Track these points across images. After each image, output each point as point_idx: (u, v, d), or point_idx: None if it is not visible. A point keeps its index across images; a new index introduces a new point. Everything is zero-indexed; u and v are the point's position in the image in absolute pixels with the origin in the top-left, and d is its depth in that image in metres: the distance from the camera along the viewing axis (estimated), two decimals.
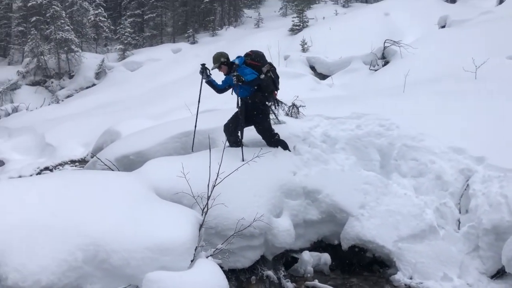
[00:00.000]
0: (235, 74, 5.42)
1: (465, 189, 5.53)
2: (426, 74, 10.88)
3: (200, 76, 5.95)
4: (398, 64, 13.45)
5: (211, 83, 5.96)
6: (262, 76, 5.70)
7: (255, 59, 5.88)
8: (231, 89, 5.93)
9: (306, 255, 5.24)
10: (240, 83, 5.42)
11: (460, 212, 5.46)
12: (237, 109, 5.79)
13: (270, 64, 5.90)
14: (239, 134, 5.83)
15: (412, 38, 16.53)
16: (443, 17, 17.36)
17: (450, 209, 5.38)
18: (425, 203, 5.47)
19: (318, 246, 5.57)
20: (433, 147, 5.99)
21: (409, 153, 6.03)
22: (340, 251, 5.44)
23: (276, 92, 6.00)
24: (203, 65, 5.90)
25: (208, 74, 5.88)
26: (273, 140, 5.89)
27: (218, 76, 5.90)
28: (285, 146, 5.94)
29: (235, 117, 5.88)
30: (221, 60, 5.77)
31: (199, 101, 6.38)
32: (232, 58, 5.92)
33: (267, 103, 5.92)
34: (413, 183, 5.81)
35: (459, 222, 5.37)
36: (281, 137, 5.99)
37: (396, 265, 5.08)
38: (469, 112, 6.78)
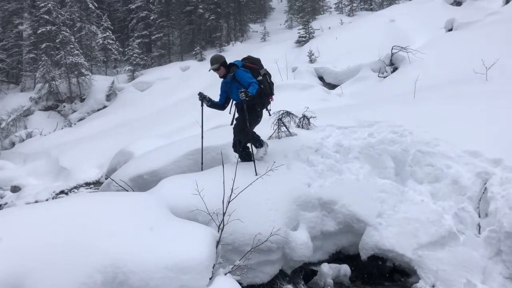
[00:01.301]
0: (242, 90, 5.39)
1: (483, 193, 5.43)
2: (436, 78, 10.82)
3: (200, 102, 6.02)
4: (407, 70, 13.40)
5: (212, 104, 6.02)
6: (260, 78, 5.77)
7: (253, 63, 5.96)
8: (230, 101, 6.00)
9: (325, 267, 5.17)
10: (248, 98, 5.40)
11: (479, 216, 5.35)
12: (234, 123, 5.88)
13: (265, 70, 5.98)
14: (249, 146, 5.82)
15: (419, 43, 16.49)
16: (449, 20, 17.30)
17: (469, 214, 5.28)
18: (443, 208, 5.37)
19: (336, 257, 5.50)
20: (448, 152, 5.91)
21: (424, 158, 5.96)
22: (359, 262, 5.36)
23: (272, 97, 6.02)
24: (200, 93, 5.97)
25: (208, 99, 5.97)
26: (249, 134, 5.77)
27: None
28: (257, 140, 5.88)
29: (238, 131, 5.85)
30: (221, 61, 5.78)
31: (202, 127, 6.32)
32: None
33: (261, 108, 5.95)
34: (429, 189, 5.72)
35: (479, 227, 5.25)
36: (293, 149, 5.97)
37: (417, 274, 4.98)
38: (482, 114, 6.69)
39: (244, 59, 6.00)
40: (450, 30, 16.95)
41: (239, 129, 5.82)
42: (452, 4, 21.79)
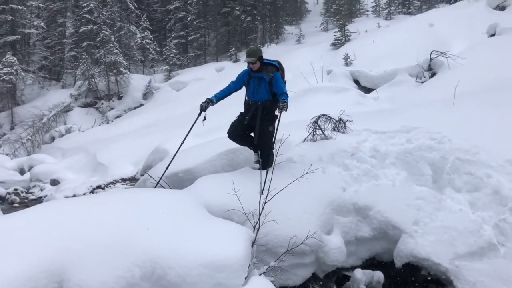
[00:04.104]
0: (285, 101, 5.29)
1: None
2: (476, 85, 10.52)
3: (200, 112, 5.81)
4: (446, 75, 13.10)
5: (220, 99, 5.82)
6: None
7: (283, 71, 5.91)
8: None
9: (359, 273, 5.12)
10: (286, 110, 5.29)
11: None
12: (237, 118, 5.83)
13: None
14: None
15: (459, 48, 16.08)
16: (492, 25, 16.78)
17: (511, 226, 5.12)
18: (482, 219, 5.22)
19: (370, 263, 5.43)
20: (489, 160, 5.74)
21: (463, 167, 5.82)
22: (393, 269, 5.28)
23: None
24: (203, 106, 5.75)
25: (212, 103, 5.79)
26: (271, 149, 5.66)
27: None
28: (271, 162, 5.60)
29: (264, 140, 5.66)
30: (259, 55, 5.59)
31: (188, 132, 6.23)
32: None
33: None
34: (468, 198, 5.57)
35: None
36: (328, 152, 5.93)
37: (453, 284, 4.85)
38: None
39: (273, 60, 5.86)
40: (493, 35, 16.45)
41: (267, 138, 5.67)
42: (495, 8, 21.13)
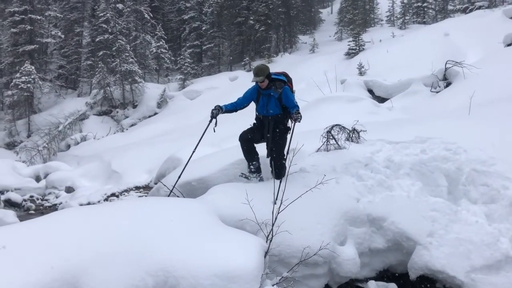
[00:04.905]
0: (299, 112, 5.33)
1: None
2: (492, 95, 10.42)
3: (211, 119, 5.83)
4: (461, 85, 13.00)
5: (227, 111, 5.81)
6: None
7: (291, 82, 5.91)
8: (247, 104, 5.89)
9: (372, 285, 5.07)
10: (299, 122, 5.34)
11: None
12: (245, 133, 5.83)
13: None
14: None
15: (475, 58, 15.97)
16: (509, 35, 16.66)
17: None
18: (499, 231, 5.14)
19: (384, 275, 5.36)
20: (506, 172, 5.66)
21: (479, 178, 5.74)
22: (407, 281, 5.20)
23: None
24: (213, 112, 5.77)
25: (222, 112, 5.78)
26: (284, 160, 5.65)
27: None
28: (284, 172, 5.59)
29: (277, 150, 5.71)
30: (266, 73, 5.58)
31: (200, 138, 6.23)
32: None
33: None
34: (484, 210, 5.49)
35: None
36: (342, 162, 5.91)
37: None
38: None
39: (279, 74, 5.85)
40: (509, 45, 16.30)
41: (280, 149, 5.70)
42: (511, 18, 20.95)
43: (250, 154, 5.91)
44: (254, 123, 6.03)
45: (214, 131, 5.84)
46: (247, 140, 5.85)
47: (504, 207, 5.36)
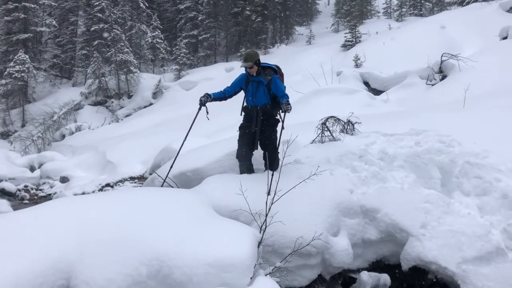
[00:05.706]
0: (288, 103, 5.26)
1: None
2: (487, 88, 10.46)
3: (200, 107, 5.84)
4: (456, 78, 13.02)
5: (215, 98, 5.80)
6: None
7: (283, 75, 5.85)
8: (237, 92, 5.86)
9: (365, 276, 5.11)
10: (289, 112, 5.27)
11: None
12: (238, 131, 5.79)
13: None
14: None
15: (471, 51, 15.98)
16: (505, 28, 16.66)
17: None
18: (491, 223, 5.18)
19: (376, 266, 5.41)
20: (498, 164, 5.70)
21: (472, 170, 5.77)
22: (400, 272, 5.25)
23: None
24: (202, 100, 5.78)
25: (210, 100, 5.78)
26: (276, 152, 5.62)
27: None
28: (278, 166, 5.59)
29: (270, 144, 5.68)
30: (255, 59, 5.50)
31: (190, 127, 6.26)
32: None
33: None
34: (477, 202, 5.53)
35: None
36: (337, 154, 5.92)
37: None
38: None
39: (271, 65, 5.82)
40: (505, 38, 16.31)
41: (272, 142, 5.67)
42: (508, 11, 20.94)
43: (248, 172, 5.89)
44: (241, 124, 5.92)
45: (208, 119, 5.83)
46: (245, 156, 5.82)
47: (496, 199, 5.40)
